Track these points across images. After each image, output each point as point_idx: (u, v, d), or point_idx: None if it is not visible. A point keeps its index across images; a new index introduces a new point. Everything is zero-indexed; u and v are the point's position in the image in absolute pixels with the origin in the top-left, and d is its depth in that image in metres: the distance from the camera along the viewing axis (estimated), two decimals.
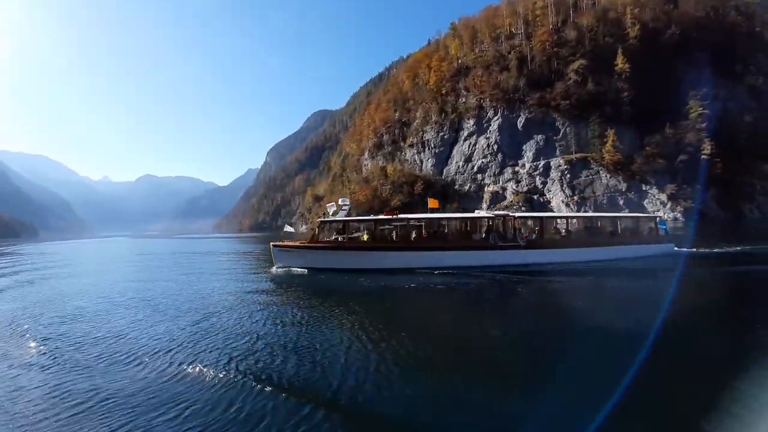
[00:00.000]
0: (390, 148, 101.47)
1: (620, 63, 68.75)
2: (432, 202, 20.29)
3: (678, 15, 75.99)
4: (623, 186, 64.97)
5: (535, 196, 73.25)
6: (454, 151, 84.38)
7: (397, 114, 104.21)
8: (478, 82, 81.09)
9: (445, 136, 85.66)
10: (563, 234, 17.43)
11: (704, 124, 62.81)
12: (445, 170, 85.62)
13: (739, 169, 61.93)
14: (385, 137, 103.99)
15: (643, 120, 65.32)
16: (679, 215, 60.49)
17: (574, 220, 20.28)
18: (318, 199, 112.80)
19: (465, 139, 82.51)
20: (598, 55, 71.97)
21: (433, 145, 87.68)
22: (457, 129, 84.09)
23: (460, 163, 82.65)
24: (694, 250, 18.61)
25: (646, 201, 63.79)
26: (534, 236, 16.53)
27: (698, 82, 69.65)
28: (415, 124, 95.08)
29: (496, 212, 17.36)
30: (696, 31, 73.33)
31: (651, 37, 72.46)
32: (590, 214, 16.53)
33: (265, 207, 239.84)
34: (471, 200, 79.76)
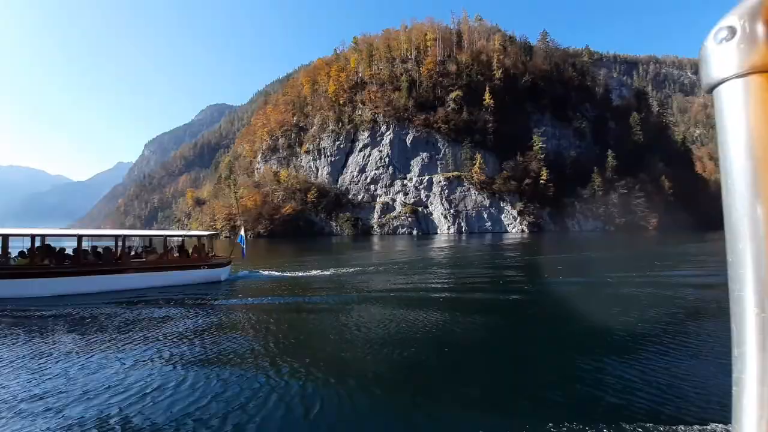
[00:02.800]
0: (285, 153, 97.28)
1: (487, 98, 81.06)
2: None
3: (531, 66, 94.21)
4: (487, 202, 76.02)
5: (420, 208, 79.67)
6: (350, 161, 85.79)
7: (295, 118, 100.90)
8: (374, 98, 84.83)
9: (342, 145, 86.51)
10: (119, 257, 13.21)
11: (543, 156, 78.57)
12: (340, 179, 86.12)
13: (566, 193, 79.21)
14: (281, 140, 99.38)
15: (502, 148, 78.11)
16: (525, 228, 73.75)
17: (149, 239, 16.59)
18: (200, 202, 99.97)
19: (360, 150, 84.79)
20: (472, 89, 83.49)
21: (329, 154, 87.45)
22: (353, 140, 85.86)
23: (355, 173, 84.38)
24: (264, 272, 16.54)
25: (503, 215, 75.93)
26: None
27: (541, 121, 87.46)
28: (312, 130, 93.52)
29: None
30: (542, 81, 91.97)
31: (511, 80, 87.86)
32: (119, 231, 13.40)
33: (136, 209, 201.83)
34: (364, 210, 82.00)
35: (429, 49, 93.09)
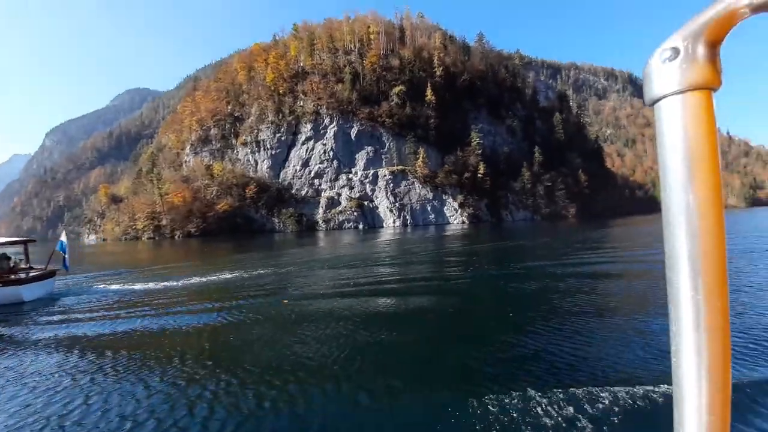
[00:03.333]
0: (219, 144, 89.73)
1: (429, 94, 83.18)
2: None
3: (469, 66, 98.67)
4: (430, 195, 78.47)
5: (366, 202, 79.40)
6: (292, 155, 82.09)
7: (229, 107, 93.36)
8: (316, 89, 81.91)
9: (283, 138, 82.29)
10: None
11: (480, 151, 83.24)
12: (282, 173, 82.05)
13: (500, 186, 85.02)
14: (214, 131, 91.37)
15: (444, 143, 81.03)
16: (465, 219, 77.73)
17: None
18: (116, 200, 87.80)
19: (303, 143, 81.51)
20: (415, 85, 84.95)
21: (269, 146, 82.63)
22: (295, 132, 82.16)
23: (298, 167, 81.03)
24: (114, 286, 13.14)
25: (446, 208, 79.11)
26: None
27: (478, 119, 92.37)
28: (249, 120, 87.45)
29: None
30: (479, 81, 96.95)
31: (451, 78, 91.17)
32: None
33: (36, 209, 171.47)
34: (308, 205, 79.29)
35: (372, 42, 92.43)
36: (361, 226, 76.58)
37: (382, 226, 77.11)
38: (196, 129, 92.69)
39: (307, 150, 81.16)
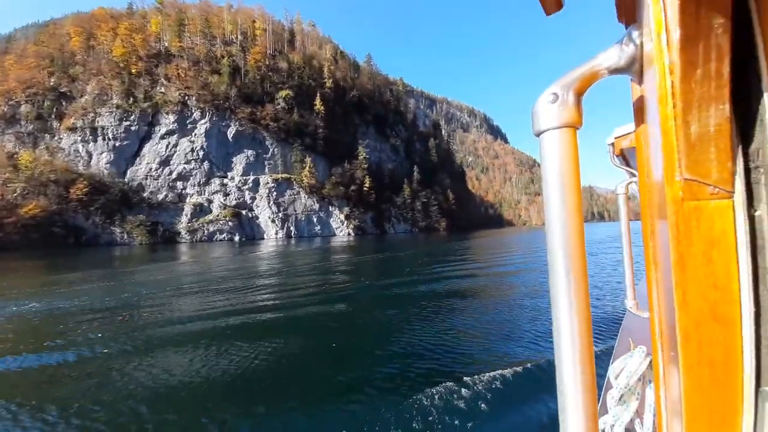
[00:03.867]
0: (32, 127, 66.36)
1: (318, 104, 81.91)
2: None
3: (359, 83, 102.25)
4: (317, 206, 76.25)
5: (244, 211, 71.24)
6: (146, 149, 67.17)
7: (53, 79, 70.65)
8: (184, 75, 70.00)
9: (133, 128, 66.61)
10: None
11: (366, 166, 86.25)
12: (130, 171, 66.00)
13: (384, 200, 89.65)
14: (25, 108, 67.21)
15: (332, 154, 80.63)
16: (351, 231, 78.40)
17: None
18: None
19: (162, 137, 67.77)
20: (304, 91, 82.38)
21: (111, 136, 65.52)
22: (151, 122, 67.66)
23: (154, 166, 66.69)
24: None
25: (332, 219, 78.14)
26: None
27: (366, 134, 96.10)
28: (83, 100, 67.91)
29: None
30: (367, 99, 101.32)
31: (341, 92, 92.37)
32: None
33: None
34: (167, 212, 65.83)
35: (258, 39, 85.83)
36: (237, 238, 67.96)
37: (263, 238, 70.36)
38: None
39: (168, 146, 67.82)
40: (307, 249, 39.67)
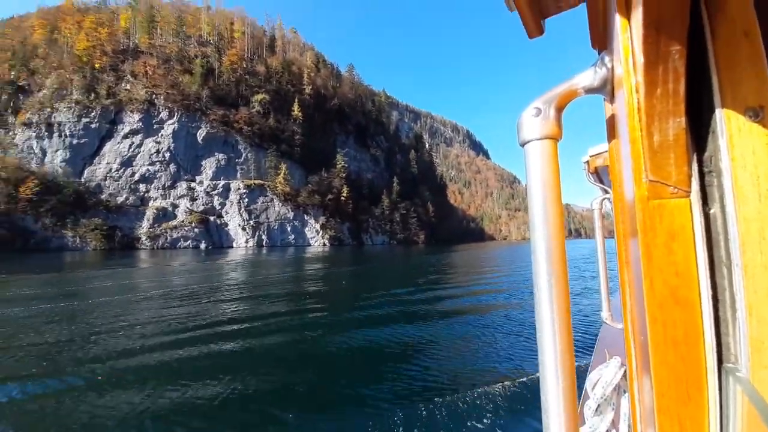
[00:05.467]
0: None
1: (296, 110, 79.99)
2: None
3: (340, 92, 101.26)
4: (291, 214, 73.26)
5: (212, 218, 67.45)
6: (107, 149, 62.91)
7: (13, 72, 65.90)
8: (152, 73, 66.73)
9: (93, 125, 62.40)
10: None
11: (345, 175, 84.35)
12: (87, 171, 61.43)
13: (362, 210, 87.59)
14: None
15: (309, 161, 78.36)
16: (327, 241, 75.56)
17: None
18: None
19: (125, 137, 63.77)
20: (281, 97, 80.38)
21: (69, 133, 61.06)
22: (113, 120, 63.68)
23: (114, 166, 62.39)
24: None
25: (307, 229, 75.20)
26: None
27: (345, 143, 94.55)
28: (41, 94, 63.41)
29: None
30: (348, 108, 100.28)
31: (321, 99, 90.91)
32: None
33: None
34: (126, 216, 61.33)
35: (237, 41, 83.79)
36: (203, 246, 63.96)
37: (232, 246, 66.57)
38: None
39: (131, 146, 63.81)
40: (278, 259, 36.77)
